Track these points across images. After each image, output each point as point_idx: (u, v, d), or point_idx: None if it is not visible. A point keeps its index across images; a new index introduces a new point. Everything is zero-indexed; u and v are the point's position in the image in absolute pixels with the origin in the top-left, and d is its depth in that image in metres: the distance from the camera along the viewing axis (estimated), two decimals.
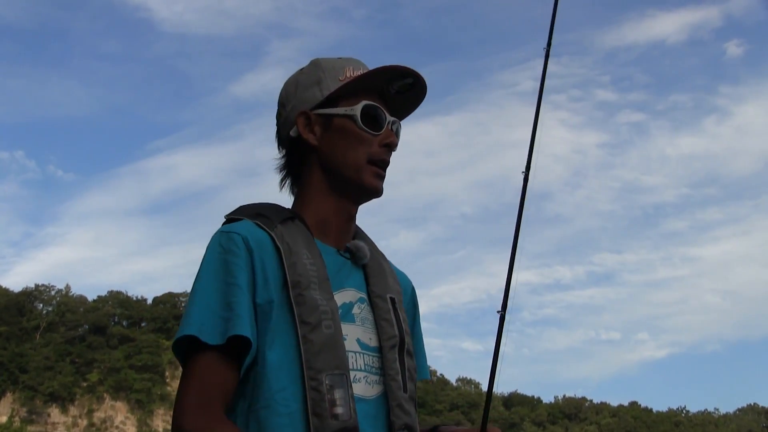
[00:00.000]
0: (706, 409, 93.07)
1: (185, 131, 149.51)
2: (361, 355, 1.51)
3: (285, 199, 1.68)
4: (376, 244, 1.71)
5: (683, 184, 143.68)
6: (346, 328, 1.49)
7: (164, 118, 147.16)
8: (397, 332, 1.56)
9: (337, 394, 1.40)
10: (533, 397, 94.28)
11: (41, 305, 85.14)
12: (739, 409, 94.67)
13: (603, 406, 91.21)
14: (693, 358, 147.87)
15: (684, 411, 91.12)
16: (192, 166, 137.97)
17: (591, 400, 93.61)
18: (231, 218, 1.55)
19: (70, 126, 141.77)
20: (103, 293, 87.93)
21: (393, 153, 1.63)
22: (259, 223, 1.51)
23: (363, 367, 1.50)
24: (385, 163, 1.60)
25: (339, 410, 1.39)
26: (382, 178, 1.60)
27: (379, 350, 1.54)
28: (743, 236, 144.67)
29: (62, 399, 76.57)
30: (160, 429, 77.94)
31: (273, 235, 1.49)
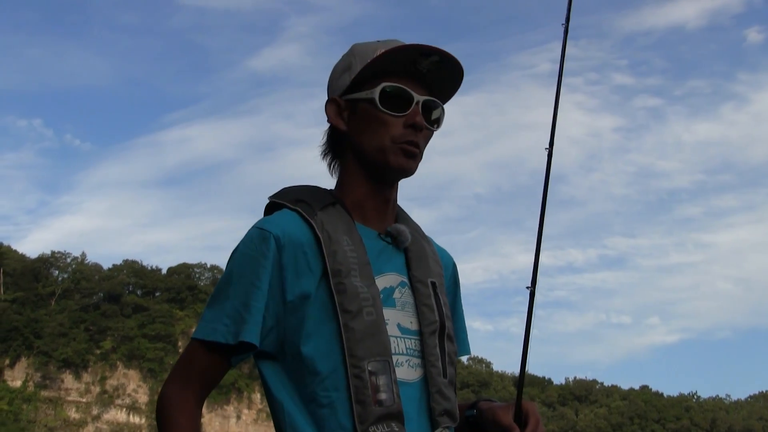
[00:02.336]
0: (717, 395, 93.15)
1: (201, 104, 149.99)
2: (402, 339, 1.52)
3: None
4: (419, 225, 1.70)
5: (698, 170, 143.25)
6: (387, 313, 1.50)
7: (181, 91, 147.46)
8: (437, 317, 1.57)
9: (381, 380, 1.43)
10: (544, 378, 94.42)
11: (57, 272, 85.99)
12: (750, 396, 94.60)
13: (613, 389, 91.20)
14: (704, 344, 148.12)
15: (695, 396, 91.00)
16: (207, 140, 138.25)
17: (602, 383, 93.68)
18: (273, 202, 1.59)
19: (87, 96, 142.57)
20: (118, 262, 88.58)
21: (435, 131, 1.62)
22: (300, 210, 1.53)
23: (405, 351, 1.52)
24: (411, 143, 1.56)
25: (383, 396, 1.42)
26: (412, 155, 1.56)
27: (420, 334, 1.55)
28: (757, 224, 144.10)
29: (75, 366, 77.35)
30: None
31: (313, 223, 1.50)
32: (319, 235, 1.49)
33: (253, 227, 1.52)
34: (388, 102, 1.55)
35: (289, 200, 1.56)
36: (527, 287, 1.65)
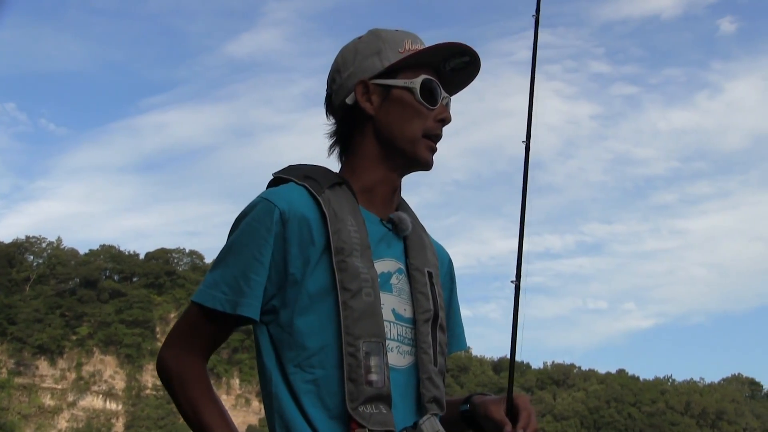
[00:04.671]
0: (692, 379, 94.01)
1: (179, 89, 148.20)
2: (395, 325, 1.54)
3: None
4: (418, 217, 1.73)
5: (674, 157, 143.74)
6: (383, 298, 1.52)
7: (158, 76, 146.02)
8: (432, 306, 1.59)
9: (373, 361, 1.44)
10: (522, 362, 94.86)
11: (32, 257, 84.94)
12: (723, 379, 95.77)
13: (591, 373, 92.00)
14: (678, 329, 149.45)
15: (670, 380, 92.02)
16: (185, 125, 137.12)
17: (579, 367, 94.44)
18: (278, 177, 1.59)
19: (63, 80, 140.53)
20: (95, 247, 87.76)
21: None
22: (307, 186, 1.54)
23: (396, 337, 1.53)
24: (438, 138, 1.63)
25: (374, 377, 1.44)
26: (434, 151, 1.63)
27: (413, 322, 1.57)
28: (731, 210, 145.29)
29: (51, 352, 76.71)
30: (149, 384, 78.29)
31: (320, 200, 1.52)
32: (326, 211, 1.50)
33: (259, 197, 1.53)
34: (424, 94, 1.60)
35: (297, 176, 1.56)
36: (512, 281, 1.63)
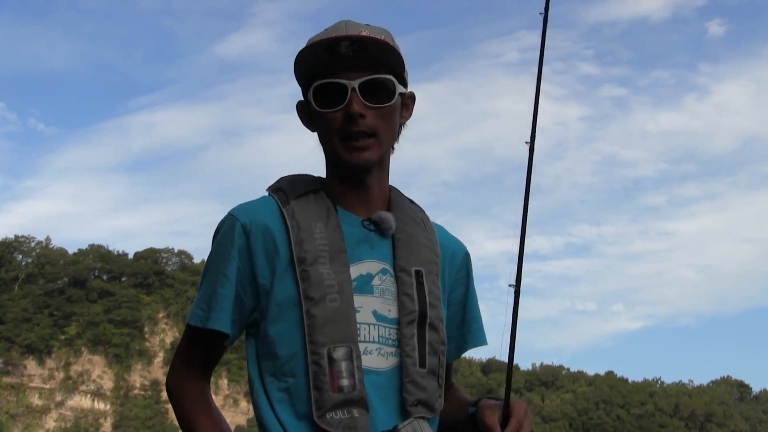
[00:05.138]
0: (681, 381, 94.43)
1: (168, 89, 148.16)
2: (376, 326, 1.52)
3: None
4: (422, 212, 1.70)
5: (662, 159, 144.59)
6: (361, 300, 1.51)
7: (147, 76, 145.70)
8: (416, 307, 1.55)
9: (342, 366, 1.44)
10: None
11: (20, 256, 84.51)
12: (712, 381, 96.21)
13: (579, 375, 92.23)
14: (667, 331, 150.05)
15: (659, 382, 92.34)
16: (174, 125, 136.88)
17: (568, 369, 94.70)
18: (269, 189, 1.61)
19: (52, 80, 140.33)
20: (84, 247, 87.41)
21: (390, 105, 1.55)
22: (275, 198, 1.57)
23: (376, 339, 1.51)
24: (356, 134, 1.52)
25: (344, 382, 1.43)
26: (362, 148, 1.53)
27: (398, 323, 1.55)
28: (719, 212, 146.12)
29: (39, 351, 76.32)
30: (137, 384, 78.03)
31: (284, 212, 1.53)
32: (288, 222, 1.52)
33: (227, 214, 1.57)
34: (323, 99, 1.54)
35: (271, 189, 1.60)
36: (510, 285, 1.61)
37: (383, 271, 1.56)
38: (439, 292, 1.60)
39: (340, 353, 1.44)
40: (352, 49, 1.51)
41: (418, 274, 1.57)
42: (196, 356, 1.59)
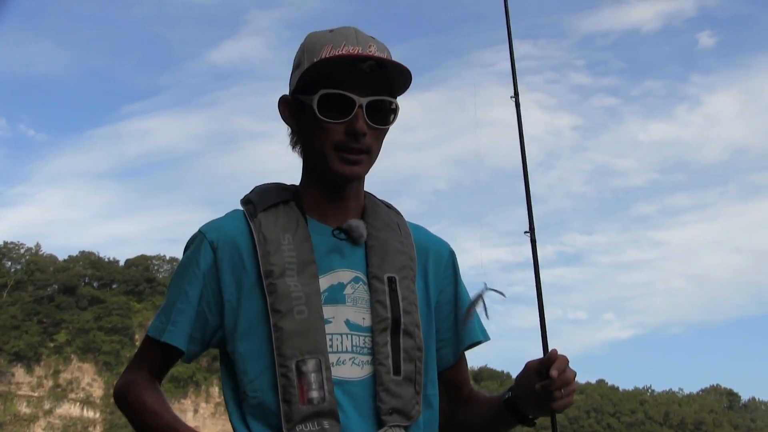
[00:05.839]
0: (671, 389, 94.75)
1: (161, 96, 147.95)
2: (349, 336, 1.51)
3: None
4: (398, 217, 1.69)
5: (653, 169, 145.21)
6: (333, 310, 1.50)
7: (140, 83, 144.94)
8: (389, 314, 1.53)
9: (312, 378, 1.43)
10: (502, 371, 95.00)
11: (9, 263, 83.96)
12: (702, 390, 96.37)
13: None
14: (657, 340, 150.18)
15: (649, 390, 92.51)
16: (167, 132, 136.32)
17: None
18: (241, 201, 1.61)
19: (43, 86, 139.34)
20: (74, 254, 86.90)
21: (388, 128, 1.58)
22: (245, 211, 1.57)
23: (350, 348, 1.50)
24: (355, 150, 1.52)
25: (314, 394, 1.43)
26: (356, 162, 1.54)
27: (372, 331, 1.54)
28: (709, 222, 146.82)
29: (28, 359, 75.77)
30: None
31: (252, 225, 1.53)
32: (255, 236, 1.52)
33: (197, 231, 1.58)
34: (328, 108, 1.52)
35: (242, 201, 1.60)
36: (525, 232, 1.70)
37: (356, 280, 1.55)
38: (414, 297, 1.58)
39: (309, 365, 1.43)
40: (370, 68, 1.51)
41: (391, 280, 1.56)
42: (151, 361, 1.59)
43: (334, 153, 1.52)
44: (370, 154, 1.55)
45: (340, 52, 1.50)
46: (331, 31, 1.56)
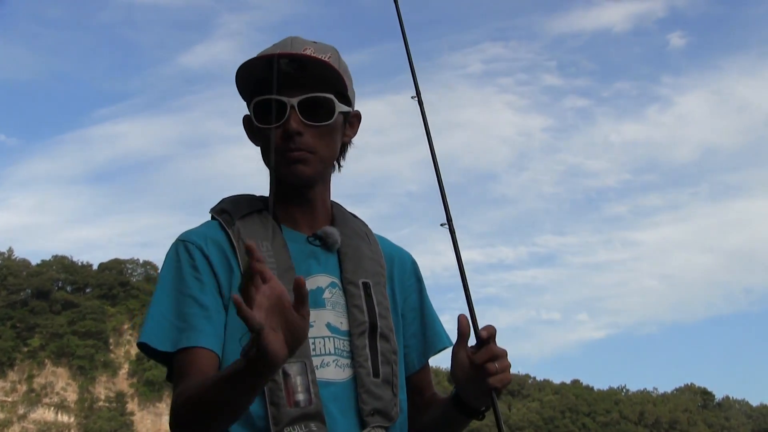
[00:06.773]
0: (645, 389, 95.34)
1: (132, 100, 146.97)
2: (331, 339, 1.52)
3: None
4: (364, 226, 1.71)
5: (625, 170, 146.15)
6: (314, 314, 1.47)
7: (110, 87, 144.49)
8: (366, 318, 1.56)
9: (298, 381, 1.43)
10: None
11: None
12: (676, 389, 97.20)
13: (546, 384, 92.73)
14: (631, 339, 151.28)
15: (624, 390, 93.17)
16: (138, 136, 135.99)
17: (534, 378, 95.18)
18: (212, 212, 1.60)
19: (13, 90, 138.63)
20: (47, 258, 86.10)
21: (329, 123, 1.55)
22: (220, 220, 1.56)
23: (332, 351, 1.52)
24: (293, 150, 1.52)
25: (300, 397, 1.43)
26: (297, 161, 1.53)
27: (350, 335, 1.55)
28: (681, 222, 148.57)
29: (1, 364, 74.96)
30: (102, 396, 76.96)
31: (230, 233, 1.53)
32: (235, 244, 1.51)
33: (176, 241, 1.55)
34: (263, 115, 1.53)
35: (215, 211, 1.60)
36: (441, 224, 1.67)
37: (332, 285, 1.58)
38: (387, 302, 1.63)
39: (294, 368, 1.44)
40: (291, 67, 1.51)
41: (366, 285, 1.60)
42: (200, 374, 1.43)
43: (279, 157, 1.53)
44: (315, 154, 1.56)
45: (260, 56, 1.54)
46: (274, 44, 1.61)
